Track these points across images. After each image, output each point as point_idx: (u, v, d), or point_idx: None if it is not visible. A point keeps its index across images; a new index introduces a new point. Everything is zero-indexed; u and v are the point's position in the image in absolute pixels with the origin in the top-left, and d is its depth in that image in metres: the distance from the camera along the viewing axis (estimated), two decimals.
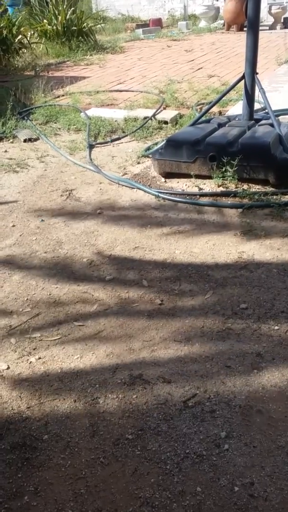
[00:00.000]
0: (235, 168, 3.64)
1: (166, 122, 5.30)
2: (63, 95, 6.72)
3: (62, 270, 2.93)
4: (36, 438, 1.87)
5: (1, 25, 8.50)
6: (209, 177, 3.81)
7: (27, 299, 2.69)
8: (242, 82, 4.10)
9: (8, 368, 2.22)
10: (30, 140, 5.18)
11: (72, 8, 10.41)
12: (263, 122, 4.19)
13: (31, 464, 1.77)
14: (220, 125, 4.20)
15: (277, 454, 1.75)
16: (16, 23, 9.03)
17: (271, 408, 1.93)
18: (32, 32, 10.06)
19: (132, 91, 6.73)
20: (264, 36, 10.27)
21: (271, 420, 1.88)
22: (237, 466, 1.72)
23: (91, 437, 1.86)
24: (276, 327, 2.36)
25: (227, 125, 4.20)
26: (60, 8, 10.06)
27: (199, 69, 7.96)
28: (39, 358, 2.27)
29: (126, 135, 5.09)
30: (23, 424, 1.93)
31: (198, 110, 5.44)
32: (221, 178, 3.72)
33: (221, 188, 3.74)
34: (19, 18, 9.31)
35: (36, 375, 2.17)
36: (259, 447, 1.78)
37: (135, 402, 2.00)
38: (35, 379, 2.15)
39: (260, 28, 4.33)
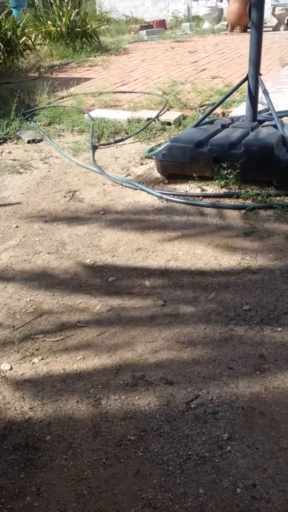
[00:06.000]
0: (238, 170, 3.64)
1: (169, 123, 5.30)
2: (67, 96, 6.74)
3: (65, 271, 2.94)
4: (39, 439, 1.88)
5: (6, 26, 8.50)
6: (212, 179, 3.81)
7: (30, 299, 2.69)
8: (246, 83, 4.10)
9: (11, 368, 2.22)
10: (33, 141, 5.19)
11: (76, 10, 10.41)
12: (266, 123, 4.18)
13: (33, 465, 1.77)
14: (224, 126, 4.19)
15: (280, 456, 1.75)
16: (21, 24, 9.04)
17: (274, 409, 1.93)
18: (37, 33, 10.08)
19: (136, 92, 6.74)
20: (267, 37, 10.25)
21: (273, 421, 1.88)
22: (239, 467, 1.72)
23: (94, 438, 1.86)
24: (279, 329, 2.36)
25: (230, 126, 4.20)
26: (64, 10, 10.07)
27: (202, 70, 7.96)
28: (42, 359, 2.27)
29: (130, 136, 5.10)
30: (25, 425, 1.94)
31: (202, 111, 5.44)
32: (224, 180, 3.72)
33: (224, 190, 3.74)
34: (24, 19, 9.31)
35: (39, 376, 2.17)
36: (261, 449, 1.78)
37: (138, 403, 2.00)
38: (38, 380, 2.15)
39: (264, 29, 4.33)
